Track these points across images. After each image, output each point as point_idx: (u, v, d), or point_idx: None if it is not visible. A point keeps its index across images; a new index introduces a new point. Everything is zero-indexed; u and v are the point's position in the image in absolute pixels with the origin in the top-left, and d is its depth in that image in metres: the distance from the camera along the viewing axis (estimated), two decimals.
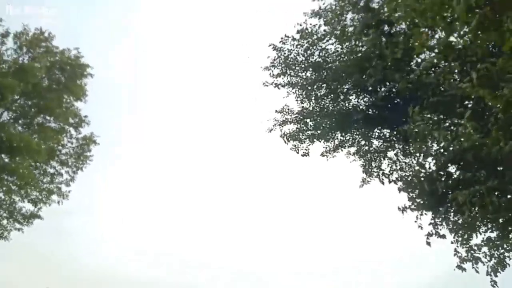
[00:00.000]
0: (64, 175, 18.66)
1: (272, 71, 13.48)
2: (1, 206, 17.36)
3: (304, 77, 13.17)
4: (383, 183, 12.76)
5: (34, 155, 16.48)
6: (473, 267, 9.87)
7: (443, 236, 10.11)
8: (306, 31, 12.88)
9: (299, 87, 13.26)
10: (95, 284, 29.40)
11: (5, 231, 17.68)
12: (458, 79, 9.00)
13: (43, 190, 18.00)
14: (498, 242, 9.76)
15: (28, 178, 16.93)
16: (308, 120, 13.38)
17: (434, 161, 9.93)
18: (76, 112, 18.72)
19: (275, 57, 13.34)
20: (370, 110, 12.38)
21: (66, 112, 18.35)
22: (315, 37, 12.87)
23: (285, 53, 13.22)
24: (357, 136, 13.49)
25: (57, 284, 27.56)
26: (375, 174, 13.30)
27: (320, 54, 12.98)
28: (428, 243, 10.10)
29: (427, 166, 10.14)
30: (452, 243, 10.18)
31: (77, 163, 18.78)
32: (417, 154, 10.67)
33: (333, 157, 14.02)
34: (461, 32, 6.94)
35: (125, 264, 32.59)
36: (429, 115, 9.68)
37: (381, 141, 13.17)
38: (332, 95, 12.94)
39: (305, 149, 14.01)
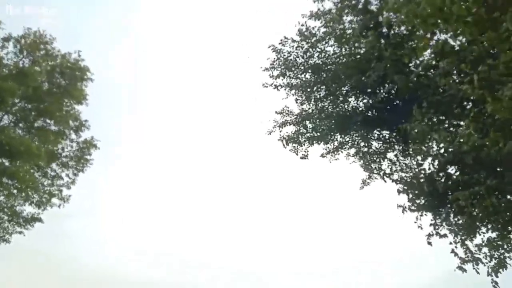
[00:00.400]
0: (64, 178, 18.72)
1: (272, 72, 13.50)
2: (2, 209, 17.36)
3: (304, 79, 13.19)
4: (385, 181, 12.76)
5: (34, 159, 16.51)
6: (473, 268, 9.89)
7: (444, 236, 10.13)
8: (306, 33, 12.92)
9: (298, 89, 13.28)
10: (95, 284, 29.41)
11: (6, 233, 17.71)
12: (457, 80, 9.03)
13: (44, 193, 18.02)
14: (499, 243, 9.77)
15: (28, 181, 16.95)
16: (307, 122, 13.38)
17: (433, 162, 9.96)
18: (77, 116, 18.75)
19: (274, 58, 13.37)
20: (369, 111, 12.38)
21: (66, 116, 18.38)
22: (314, 39, 12.91)
23: (284, 55, 13.25)
24: (356, 138, 13.48)
25: (57, 284, 27.60)
26: (376, 173, 13.31)
27: (320, 56, 13.00)
28: (429, 243, 10.14)
29: (426, 167, 10.17)
30: (450, 243, 10.20)
31: (77, 166, 18.81)
32: (417, 155, 10.69)
33: (336, 159, 14.04)
34: (459, 33, 6.97)
35: (125, 264, 32.63)
36: (428, 116, 9.70)
37: (381, 142, 13.18)
38: (331, 97, 12.95)
39: (304, 151, 14.02)
